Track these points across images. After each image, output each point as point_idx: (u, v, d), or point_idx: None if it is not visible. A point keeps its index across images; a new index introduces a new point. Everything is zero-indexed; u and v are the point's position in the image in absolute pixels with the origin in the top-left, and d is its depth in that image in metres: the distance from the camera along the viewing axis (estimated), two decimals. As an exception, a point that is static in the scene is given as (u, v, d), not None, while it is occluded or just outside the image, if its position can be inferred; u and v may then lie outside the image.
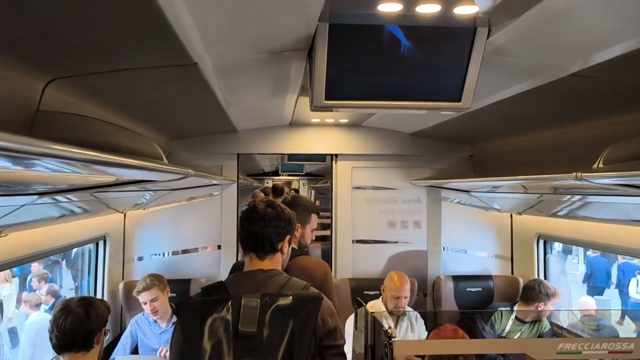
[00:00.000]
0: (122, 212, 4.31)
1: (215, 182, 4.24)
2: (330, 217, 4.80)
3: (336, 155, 4.73)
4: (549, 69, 2.25)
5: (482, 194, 4.73)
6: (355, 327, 2.36)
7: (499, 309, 4.13)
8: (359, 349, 2.20)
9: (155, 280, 3.85)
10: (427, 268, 4.77)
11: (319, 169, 11.75)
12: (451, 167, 4.74)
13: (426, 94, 2.05)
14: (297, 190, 13.89)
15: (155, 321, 3.90)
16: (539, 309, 3.93)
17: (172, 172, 2.01)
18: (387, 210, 4.77)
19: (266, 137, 4.62)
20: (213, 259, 4.63)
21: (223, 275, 4.63)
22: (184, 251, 4.65)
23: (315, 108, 2.09)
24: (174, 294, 4.32)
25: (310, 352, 1.75)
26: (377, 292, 4.37)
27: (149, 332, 3.93)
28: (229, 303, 1.73)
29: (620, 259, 10.38)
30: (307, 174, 12.59)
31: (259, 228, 1.90)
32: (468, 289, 4.55)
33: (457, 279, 4.58)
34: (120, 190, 3.22)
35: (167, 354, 3.57)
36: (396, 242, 4.78)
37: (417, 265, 4.75)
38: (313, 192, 14.12)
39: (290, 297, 1.74)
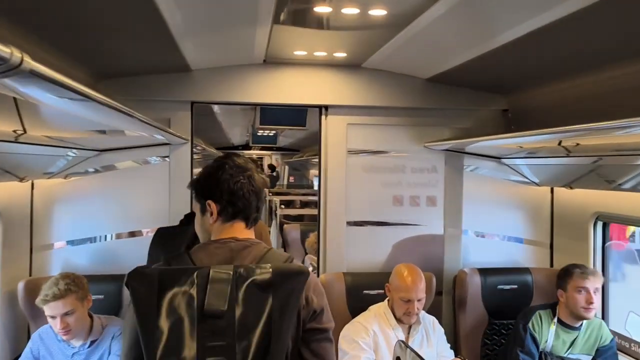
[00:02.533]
0: (22, 180, 3.02)
1: (158, 136, 3.00)
2: (319, 192, 3.60)
3: (326, 107, 3.51)
4: None
5: (518, 162, 3.60)
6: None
7: (538, 312, 3.10)
8: None
9: (72, 283, 2.63)
10: (444, 258, 3.63)
11: (294, 143, 10.58)
12: (477, 126, 3.59)
13: None
14: (272, 167, 12.93)
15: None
16: None
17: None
18: (393, 182, 3.60)
19: (231, 79, 3.37)
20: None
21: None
22: (118, 235, 3.40)
23: None
24: (101, 296, 3.11)
25: (292, 336, 1.49)
26: (381, 290, 3.26)
27: (57, 352, 2.72)
28: (194, 275, 1.42)
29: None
30: (280, 149, 11.54)
31: (258, 191, 1.62)
32: (500, 286, 3.43)
33: (484, 272, 3.45)
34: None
35: None
36: (404, 225, 3.61)
37: (430, 254, 3.61)
38: (287, 167, 13.06)
39: (270, 271, 1.45)
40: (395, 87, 3.46)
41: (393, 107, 3.49)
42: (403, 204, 3.60)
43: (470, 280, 3.40)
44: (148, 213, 3.40)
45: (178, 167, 3.40)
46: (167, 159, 3.41)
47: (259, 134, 8.74)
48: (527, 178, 3.67)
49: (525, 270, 3.50)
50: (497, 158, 3.63)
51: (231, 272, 1.43)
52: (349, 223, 3.54)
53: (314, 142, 9.28)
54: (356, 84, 3.44)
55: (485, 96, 3.55)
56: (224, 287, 1.41)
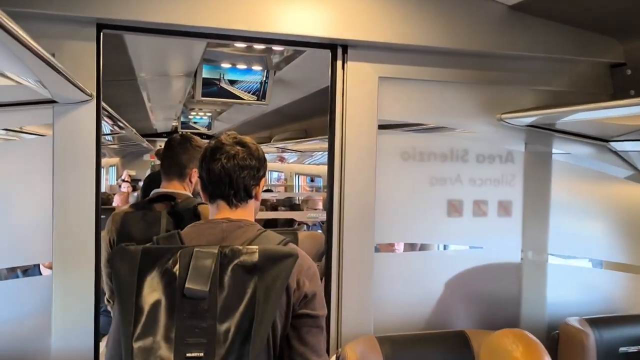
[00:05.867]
0: None
1: (30, 83, 1.39)
2: (329, 194, 2.09)
3: (345, 46, 2.02)
4: None
5: (629, 146, 2.31)
6: None
7: None
8: None
9: None
10: (521, 300, 2.27)
11: (232, 128, 8.91)
12: (575, 86, 2.26)
13: None
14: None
15: None
16: None
17: None
18: (447, 177, 2.18)
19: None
20: (30, 299, 1.78)
21: (56, 342, 1.80)
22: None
23: None
24: None
25: (281, 322, 1.38)
26: (443, 367, 1.88)
27: None
28: (177, 254, 1.33)
29: None
30: (212, 137, 9.77)
31: (231, 170, 1.48)
32: (622, 349, 2.12)
33: (597, 325, 2.13)
34: None
35: None
36: (464, 248, 2.22)
37: (503, 294, 2.24)
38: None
39: (257, 252, 1.34)
40: (459, 17, 2.04)
41: (454, 50, 2.06)
42: (462, 213, 2.19)
43: (585, 340, 2.05)
44: (10, 236, 1.78)
45: (71, 146, 1.80)
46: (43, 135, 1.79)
47: (190, 116, 7.07)
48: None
49: (655, 319, 2.21)
50: (603, 141, 2.31)
51: (216, 252, 1.33)
52: (379, 247, 2.09)
53: (260, 127, 7.73)
54: (397, 10, 1.98)
55: (591, 40, 2.20)
56: (207, 267, 1.31)
